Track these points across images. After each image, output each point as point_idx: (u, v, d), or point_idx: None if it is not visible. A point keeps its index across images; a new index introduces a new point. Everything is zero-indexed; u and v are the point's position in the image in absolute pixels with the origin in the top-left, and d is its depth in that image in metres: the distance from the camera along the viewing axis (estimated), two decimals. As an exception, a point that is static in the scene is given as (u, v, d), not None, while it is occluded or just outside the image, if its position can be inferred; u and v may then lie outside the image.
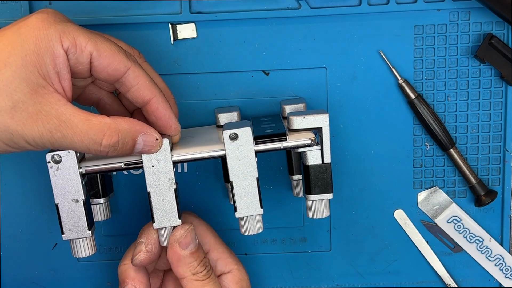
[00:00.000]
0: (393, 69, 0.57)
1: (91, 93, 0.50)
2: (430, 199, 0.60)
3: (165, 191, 0.49)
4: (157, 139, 0.47)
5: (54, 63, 0.43)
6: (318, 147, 0.50)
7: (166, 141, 0.48)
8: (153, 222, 0.49)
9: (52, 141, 0.43)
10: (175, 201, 0.49)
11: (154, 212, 0.49)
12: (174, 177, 0.49)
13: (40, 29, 0.42)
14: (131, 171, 0.59)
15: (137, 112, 0.51)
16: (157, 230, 0.50)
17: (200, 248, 0.50)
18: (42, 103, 0.42)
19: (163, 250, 0.52)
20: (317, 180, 0.51)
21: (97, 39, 0.44)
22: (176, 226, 0.50)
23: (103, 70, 0.45)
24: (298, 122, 0.50)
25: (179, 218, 0.49)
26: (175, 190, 0.49)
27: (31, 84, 0.42)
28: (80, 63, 0.44)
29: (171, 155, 0.48)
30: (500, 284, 0.62)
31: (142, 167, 0.49)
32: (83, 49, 0.44)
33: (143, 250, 0.51)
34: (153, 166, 0.48)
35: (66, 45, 0.43)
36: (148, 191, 0.49)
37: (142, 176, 0.58)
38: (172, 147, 0.49)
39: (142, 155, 0.48)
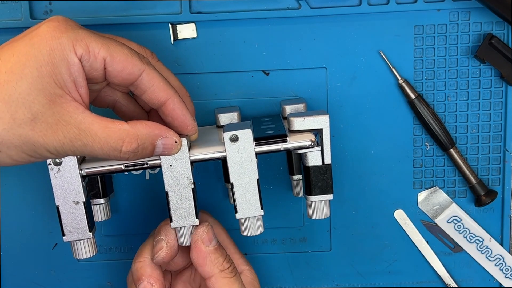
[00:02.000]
0: (393, 69, 0.57)
1: (106, 95, 0.50)
2: (430, 199, 0.60)
3: (183, 191, 0.49)
4: (176, 142, 0.47)
5: (69, 71, 0.42)
6: (319, 148, 0.50)
7: (184, 141, 0.48)
8: (171, 221, 0.50)
9: (74, 150, 0.43)
10: (192, 200, 0.49)
11: (172, 211, 0.49)
12: (192, 177, 0.49)
13: (53, 39, 0.42)
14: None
15: (153, 111, 0.51)
16: (175, 229, 0.50)
17: (221, 245, 0.51)
18: (61, 113, 0.42)
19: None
20: (317, 181, 0.51)
21: (109, 44, 0.44)
22: (196, 226, 0.50)
23: (117, 75, 0.45)
24: (298, 123, 0.50)
25: (197, 218, 0.50)
26: (193, 189, 0.49)
27: (49, 95, 0.42)
28: (94, 69, 0.44)
29: (190, 155, 0.49)
30: (500, 284, 0.62)
31: (142, 168, 0.49)
32: (97, 55, 0.43)
33: (164, 247, 0.51)
34: (171, 165, 0.48)
35: (79, 52, 0.43)
36: (166, 190, 0.49)
37: (142, 176, 0.59)
38: (191, 146, 0.49)
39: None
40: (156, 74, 0.46)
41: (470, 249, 0.61)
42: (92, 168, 0.48)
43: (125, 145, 0.44)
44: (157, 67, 0.48)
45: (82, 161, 0.49)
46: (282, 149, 0.49)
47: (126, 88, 0.48)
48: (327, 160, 0.50)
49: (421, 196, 0.60)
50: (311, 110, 0.56)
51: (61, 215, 0.48)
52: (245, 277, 0.54)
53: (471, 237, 0.60)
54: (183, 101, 0.48)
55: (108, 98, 0.50)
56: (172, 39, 0.56)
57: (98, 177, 0.54)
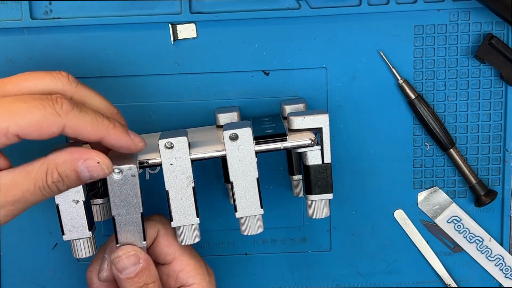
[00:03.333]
0: (393, 69, 0.57)
1: None
2: (430, 199, 0.60)
3: (183, 189, 0.49)
4: (98, 162, 0.44)
5: None
6: (318, 147, 0.50)
7: (184, 139, 0.48)
8: (171, 220, 0.50)
9: (14, 211, 0.43)
10: (193, 199, 0.49)
11: (172, 210, 0.49)
12: (192, 175, 0.49)
13: None
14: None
15: None
16: (175, 228, 0.50)
17: (144, 272, 0.49)
18: None
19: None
20: (317, 180, 0.51)
21: (18, 115, 0.41)
22: (122, 246, 0.49)
23: (37, 138, 0.42)
24: (298, 122, 0.50)
25: (197, 216, 0.50)
26: (193, 188, 0.49)
27: None
28: (4, 144, 0.41)
29: (190, 154, 0.49)
30: (500, 284, 0.62)
31: (142, 167, 0.49)
32: (7, 134, 0.41)
33: (105, 268, 0.50)
34: (171, 164, 0.48)
35: None
36: (167, 189, 0.49)
37: (142, 176, 0.59)
38: (190, 145, 0.49)
39: (161, 153, 0.48)
40: (80, 121, 0.43)
41: (470, 249, 0.61)
42: None
43: (48, 177, 0.43)
44: (78, 93, 0.45)
45: None
46: (282, 148, 0.49)
47: None
48: (327, 159, 0.50)
49: (421, 196, 0.60)
50: (311, 110, 0.56)
51: (61, 213, 0.48)
52: None
53: (471, 237, 0.60)
54: (117, 127, 0.45)
55: None
56: (172, 39, 0.56)
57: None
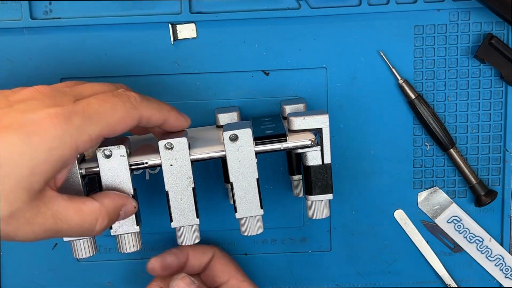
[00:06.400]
0: (393, 69, 0.57)
1: None
2: (430, 199, 0.60)
3: (183, 190, 0.49)
4: (135, 207, 0.48)
5: (62, 169, 0.42)
6: (318, 147, 0.50)
7: (184, 140, 0.48)
8: (171, 221, 0.50)
9: (46, 237, 0.42)
10: (193, 200, 0.49)
11: (172, 211, 0.49)
12: (192, 176, 0.49)
13: (54, 138, 0.39)
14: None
15: None
16: (175, 229, 0.51)
17: None
18: (39, 206, 0.40)
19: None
20: (317, 180, 0.51)
21: (104, 118, 0.43)
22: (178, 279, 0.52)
23: (117, 133, 0.45)
24: (298, 123, 0.50)
25: (197, 217, 0.50)
26: (193, 189, 0.49)
27: (32, 192, 0.40)
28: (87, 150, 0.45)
29: (190, 154, 0.49)
30: (500, 284, 0.62)
31: (141, 168, 0.49)
32: (96, 140, 0.43)
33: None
34: (171, 165, 0.48)
35: (80, 150, 0.42)
36: (166, 190, 0.49)
37: (142, 176, 0.59)
38: (190, 146, 0.49)
39: (161, 154, 0.48)
40: (150, 109, 0.46)
41: (470, 249, 0.61)
42: (92, 168, 0.48)
43: (98, 224, 0.44)
44: (143, 105, 0.47)
45: (82, 160, 0.49)
46: (282, 148, 0.49)
47: None
48: (327, 160, 0.50)
49: (421, 196, 0.60)
50: (311, 110, 0.56)
51: None
52: None
53: (471, 237, 0.60)
54: (174, 109, 0.49)
55: None
56: (172, 39, 0.56)
57: (97, 176, 0.54)
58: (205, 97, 0.58)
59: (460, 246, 0.61)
